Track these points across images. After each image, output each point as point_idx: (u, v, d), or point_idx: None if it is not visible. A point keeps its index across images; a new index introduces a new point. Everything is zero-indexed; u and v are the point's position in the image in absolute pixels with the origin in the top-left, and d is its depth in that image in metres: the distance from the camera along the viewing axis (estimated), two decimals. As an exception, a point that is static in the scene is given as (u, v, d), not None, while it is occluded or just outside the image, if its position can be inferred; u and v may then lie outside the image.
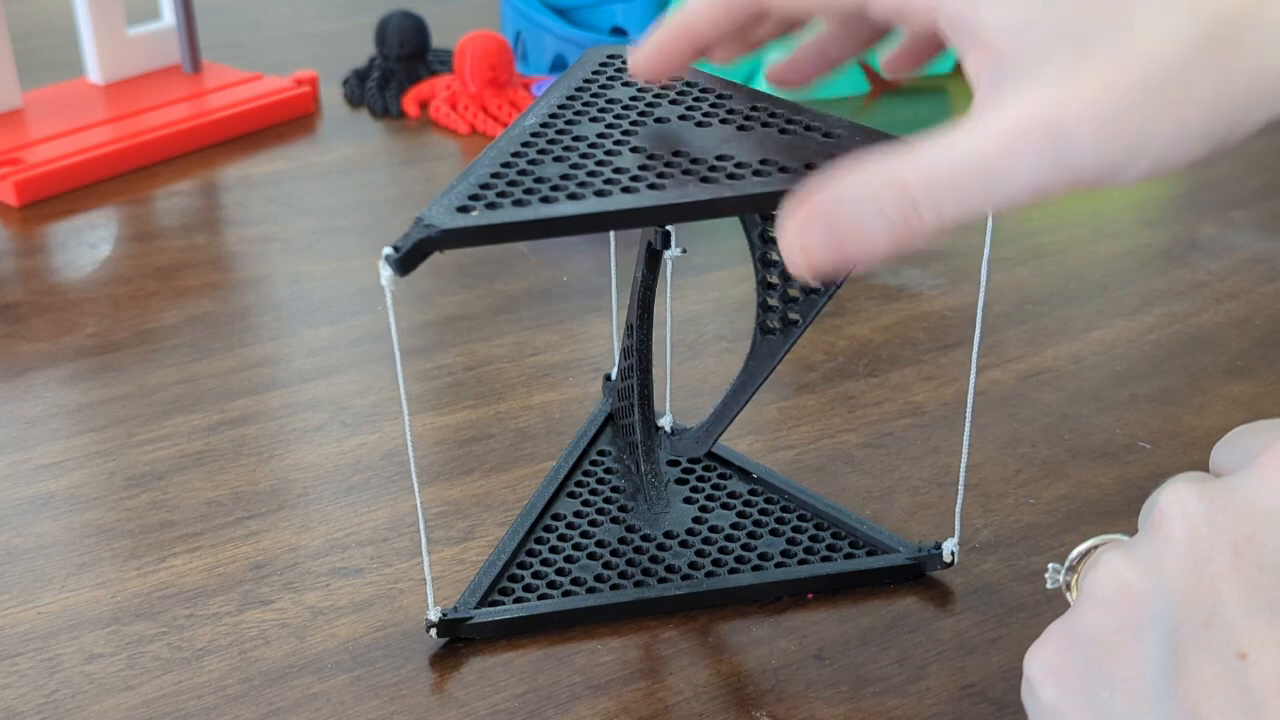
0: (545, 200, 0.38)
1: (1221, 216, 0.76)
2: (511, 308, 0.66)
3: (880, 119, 0.89)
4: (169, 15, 0.90)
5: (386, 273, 0.37)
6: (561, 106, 0.42)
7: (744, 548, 0.49)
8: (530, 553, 0.48)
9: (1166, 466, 0.54)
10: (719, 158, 0.40)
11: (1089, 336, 0.64)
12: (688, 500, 0.51)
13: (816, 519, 0.50)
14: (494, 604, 0.46)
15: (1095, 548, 0.33)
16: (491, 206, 0.37)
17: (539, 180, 0.38)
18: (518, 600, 0.46)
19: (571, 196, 0.38)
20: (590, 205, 0.38)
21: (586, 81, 0.44)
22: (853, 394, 0.59)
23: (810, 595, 0.47)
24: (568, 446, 0.54)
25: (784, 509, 0.50)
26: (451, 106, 0.88)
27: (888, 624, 0.46)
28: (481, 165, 0.39)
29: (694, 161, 0.39)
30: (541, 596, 0.46)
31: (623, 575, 0.47)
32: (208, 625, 0.46)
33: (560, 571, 0.47)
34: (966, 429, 0.45)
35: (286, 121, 0.88)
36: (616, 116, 0.42)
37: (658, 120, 0.42)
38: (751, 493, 0.51)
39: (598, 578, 0.47)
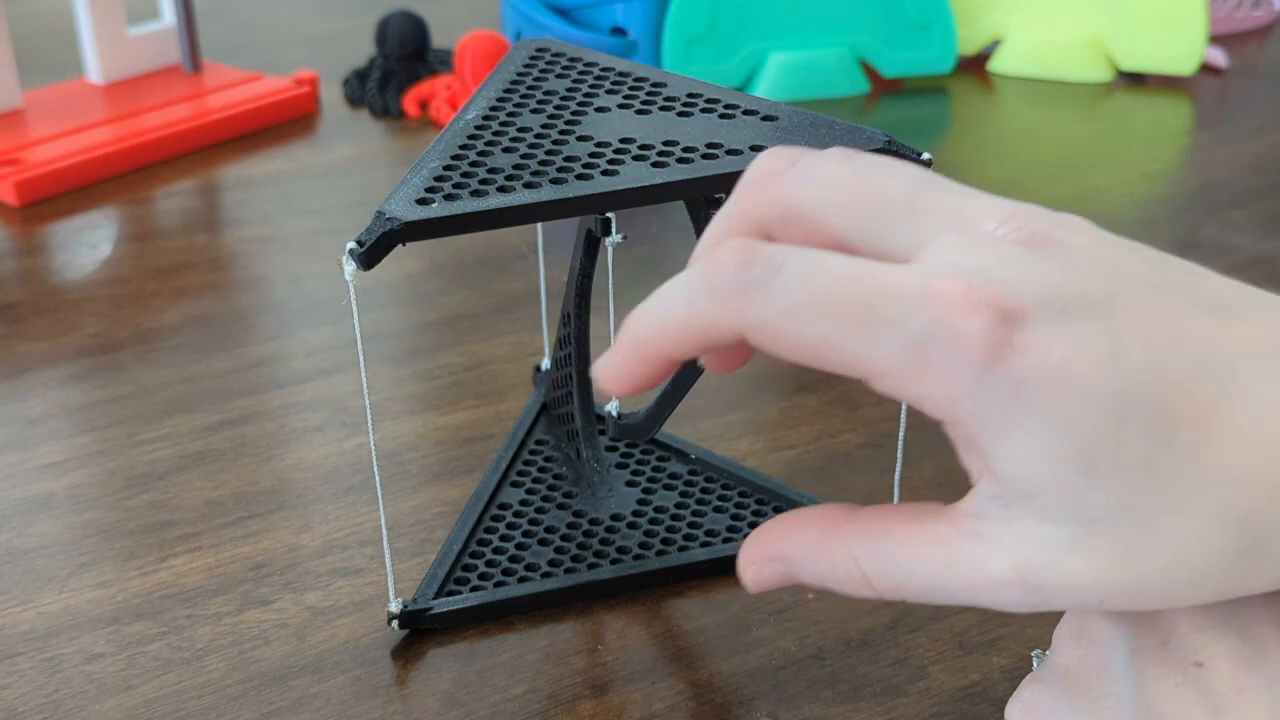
0: (502, 190, 0.38)
1: (1221, 216, 0.76)
2: (511, 308, 0.66)
3: (880, 119, 0.89)
4: (169, 15, 0.90)
5: (350, 267, 0.37)
6: (501, 99, 0.42)
7: (690, 526, 0.49)
8: (481, 542, 0.48)
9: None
10: (666, 143, 0.40)
11: (1089, 336, 0.63)
12: (630, 484, 0.51)
13: (757, 494, 0.51)
14: (451, 594, 0.46)
15: None
16: (450, 198, 0.37)
17: (493, 170, 0.38)
18: (474, 589, 0.46)
19: (528, 185, 0.38)
20: (548, 193, 0.38)
21: (520, 75, 0.44)
22: (853, 394, 0.59)
23: (810, 595, 0.47)
24: (506, 438, 0.54)
25: (724, 487, 0.51)
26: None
27: (888, 624, 0.46)
28: (431, 158, 0.39)
29: (643, 147, 0.40)
30: (498, 584, 0.46)
31: (575, 559, 0.47)
32: (208, 625, 0.46)
33: (513, 559, 0.47)
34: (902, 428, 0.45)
35: (286, 121, 0.88)
36: (557, 107, 0.42)
37: (599, 110, 0.42)
38: (691, 473, 0.52)
39: (551, 563, 0.47)
